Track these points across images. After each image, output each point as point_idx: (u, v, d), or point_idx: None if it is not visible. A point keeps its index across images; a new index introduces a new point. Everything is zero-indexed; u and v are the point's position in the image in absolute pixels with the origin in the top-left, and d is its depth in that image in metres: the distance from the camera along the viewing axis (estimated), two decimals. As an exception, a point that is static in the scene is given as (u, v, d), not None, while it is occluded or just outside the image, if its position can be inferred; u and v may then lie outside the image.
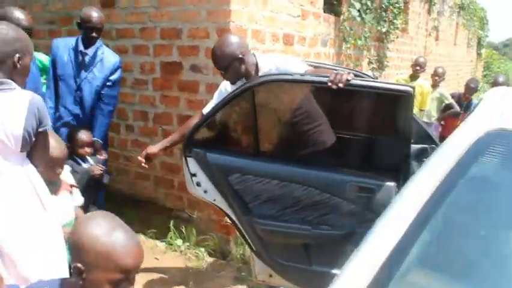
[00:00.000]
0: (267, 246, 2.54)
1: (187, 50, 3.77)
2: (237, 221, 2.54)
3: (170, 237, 3.98)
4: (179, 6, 3.75)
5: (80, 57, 3.47)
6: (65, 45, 3.50)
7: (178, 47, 3.82)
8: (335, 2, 5.17)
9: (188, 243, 3.94)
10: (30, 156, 2.11)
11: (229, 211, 2.55)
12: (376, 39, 6.13)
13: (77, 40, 3.49)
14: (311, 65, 2.62)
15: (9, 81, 1.99)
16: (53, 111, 3.52)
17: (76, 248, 1.40)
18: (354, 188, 2.36)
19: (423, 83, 5.73)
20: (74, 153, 3.13)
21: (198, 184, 2.54)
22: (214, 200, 2.55)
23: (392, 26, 6.15)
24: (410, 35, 7.98)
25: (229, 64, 2.51)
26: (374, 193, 2.35)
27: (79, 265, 1.38)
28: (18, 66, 2.03)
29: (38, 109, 2.03)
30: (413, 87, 2.21)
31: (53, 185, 2.31)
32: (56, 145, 2.28)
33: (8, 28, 2.03)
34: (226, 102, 2.44)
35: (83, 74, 3.49)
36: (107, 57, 3.57)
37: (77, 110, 3.54)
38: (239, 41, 2.58)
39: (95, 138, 3.49)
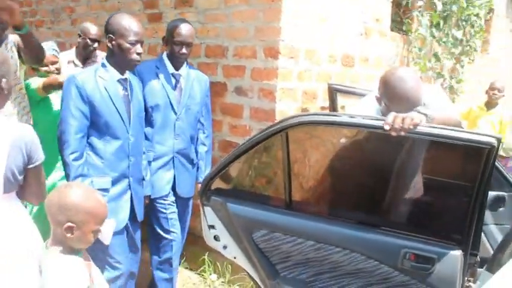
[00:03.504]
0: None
1: (233, 70, 3.45)
2: (261, 285, 2.14)
3: (204, 271, 3.67)
4: (226, 22, 3.44)
5: (174, 81, 2.95)
6: (149, 70, 2.93)
7: (223, 66, 3.51)
8: (404, 21, 4.65)
9: (223, 280, 3.61)
10: (20, 195, 1.85)
11: (252, 272, 2.16)
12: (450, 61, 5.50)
13: (160, 61, 2.97)
14: None
15: None
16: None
17: (63, 210, 1.64)
18: (409, 255, 1.89)
19: (502, 111, 5.07)
20: None
21: (216, 238, 2.18)
22: (235, 258, 2.18)
23: (468, 47, 5.49)
24: (491, 56, 7.21)
25: None
26: (434, 263, 1.87)
27: (70, 224, 1.64)
28: (5, 92, 1.80)
29: (25, 143, 1.76)
30: (500, 138, 1.72)
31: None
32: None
33: None
34: (253, 145, 2.04)
35: (183, 99, 2.96)
36: (198, 75, 3.08)
37: (179, 144, 2.95)
38: None
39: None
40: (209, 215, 2.18)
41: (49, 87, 3.03)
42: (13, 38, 2.78)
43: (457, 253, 1.87)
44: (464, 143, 1.72)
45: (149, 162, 2.89)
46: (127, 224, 2.63)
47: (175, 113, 2.93)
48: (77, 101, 2.41)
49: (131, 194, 2.62)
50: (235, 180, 2.29)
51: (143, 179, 2.79)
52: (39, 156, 1.85)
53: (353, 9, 3.76)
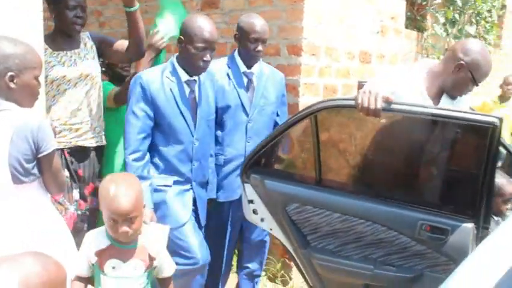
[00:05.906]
0: (324, 283, 2.36)
1: (258, 67, 3.69)
2: (294, 254, 2.39)
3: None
4: (251, 22, 3.68)
5: (246, 80, 2.80)
6: (219, 70, 2.76)
7: (249, 63, 3.74)
8: (418, 18, 4.85)
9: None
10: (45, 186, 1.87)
11: (286, 242, 2.40)
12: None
13: (231, 60, 2.83)
14: None
15: None
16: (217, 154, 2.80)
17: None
18: (425, 227, 2.11)
19: None
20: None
21: (255, 212, 2.42)
22: (271, 230, 2.42)
23: (482, 42, 5.67)
24: (503, 51, 7.36)
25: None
26: (448, 234, 2.09)
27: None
28: (13, 85, 1.75)
29: (31, 131, 1.72)
30: (501, 118, 1.94)
31: (127, 246, 1.86)
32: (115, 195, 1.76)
33: (1, 44, 1.75)
34: (286, 128, 2.29)
35: (255, 100, 2.80)
36: (273, 73, 2.92)
37: (251, 147, 2.74)
38: None
39: None
40: (248, 191, 2.41)
41: (121, 99, 2.77)
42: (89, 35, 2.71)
43: (469, 225, 2.08)
44: (470, 123, 1.96)
45: (219, 167, 2.80)
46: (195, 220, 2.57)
47: (247, 115, 2.79)
48: (140, 101, 2.35)
49: (194, 196, 2.57)
50: (271, 159, 2.52)
51: (208, 183, 2.70)
52: (50, 145, 1.79)
53: (369, 8, 3.98)
